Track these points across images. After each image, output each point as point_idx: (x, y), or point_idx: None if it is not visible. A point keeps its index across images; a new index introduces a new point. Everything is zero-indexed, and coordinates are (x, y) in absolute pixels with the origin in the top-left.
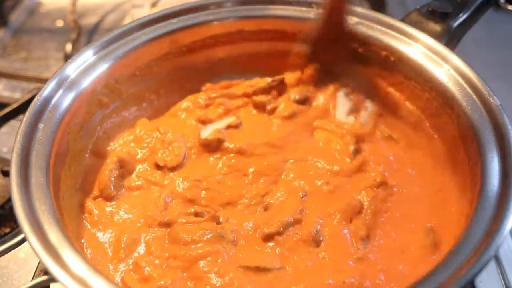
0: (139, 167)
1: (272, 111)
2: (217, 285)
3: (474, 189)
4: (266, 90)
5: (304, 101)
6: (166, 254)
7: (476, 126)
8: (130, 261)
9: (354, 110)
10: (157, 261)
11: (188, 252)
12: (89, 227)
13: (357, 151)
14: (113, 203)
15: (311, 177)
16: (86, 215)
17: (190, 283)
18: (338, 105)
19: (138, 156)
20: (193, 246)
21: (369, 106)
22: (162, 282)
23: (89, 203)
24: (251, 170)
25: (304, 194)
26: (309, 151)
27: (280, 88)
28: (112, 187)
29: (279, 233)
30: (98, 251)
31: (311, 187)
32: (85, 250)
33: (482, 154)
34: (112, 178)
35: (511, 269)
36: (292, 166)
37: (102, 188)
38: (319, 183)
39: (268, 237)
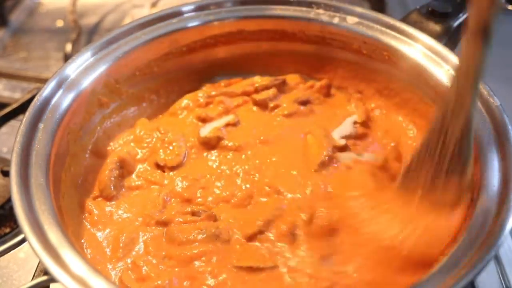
0: (139, 167)
1: (274, 108)
2: (212, 285)
3: (474, 189)
4: (268, 88)
5: (305, 102)
6: (163, 253)
7: (476, 126)
8: (129, 260)
9: (352, 138)
10: (154, 261)
11: (183, 252)
12: (88, 227)
13: (323, 166)
14: (113, 202)
15: (288, 179)
16: (86, 215)
17: (186, 283)
18: (340, 126)
19: (138, 156)
20: (188, 246)
21: (367, 157)
22: (159, 282)
23: (89, 203)
24: (241, 170)
25: (280, 194)
26: (292, 152)
27: (281, 87)
28: (112, 187)
29: (260, 232)
30: (97, 250)
31: (287, 188)
32: (85, 250)
33: (482, 154)
34: (112, 178)
35: (511, 269)
36: (272, 164)
37: (102, 188)
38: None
39: (251, 238)
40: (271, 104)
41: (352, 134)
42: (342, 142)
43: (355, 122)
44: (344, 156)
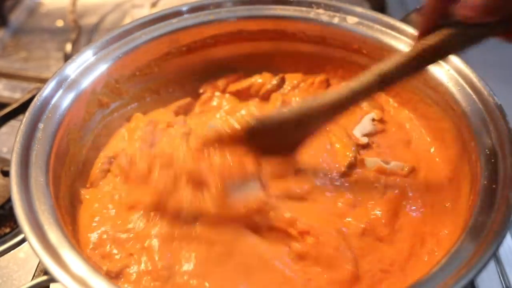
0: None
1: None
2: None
3: (474, 189)
4: (273, 89)
5: None
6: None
7: (476, 127)
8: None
9: (373, 135)
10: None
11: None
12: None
13: (351, 167)
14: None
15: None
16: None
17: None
18: (360, 124)
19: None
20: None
21: (394, 165)
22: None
23: (82, 192)
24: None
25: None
26: (315, 151)
27: (281, 85)
28: (101, 179)
29: None
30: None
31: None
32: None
33: (482, 154)
34: (103, 171)
35: (511, 269)
36: None
37: (93, 181)
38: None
39: None
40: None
41: (372, 132)
42: (365, 140)
43: (373, 119)
44: (370, 161)
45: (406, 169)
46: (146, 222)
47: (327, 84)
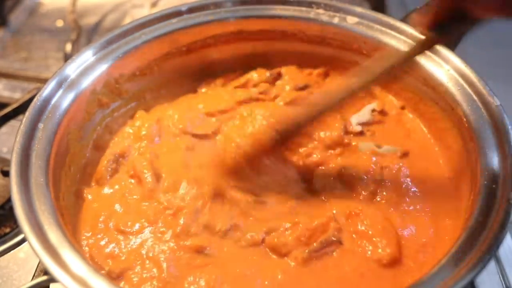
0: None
1: (275, 98)
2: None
3: (474, 189)
4: (268, 81)
5: (304, 87)
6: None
7: (476, 126)
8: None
9: (370, 124)
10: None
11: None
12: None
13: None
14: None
15: None
16: (81, 202)
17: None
18: (359, 112)
19: (136, 145)
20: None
21: (386, 149)
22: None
23: (85, 191)
24: None
25: None
26: None
27: (277, 79)
28: (108, 177)
29: None
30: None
31: None
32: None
33: (482, 154)
34: (110, 169)
35: (511, 269)
36: None
37: (99, 178)
38: None
39: None
40: (272, 95)
41: (369, 121)
42: (358, 128)
43: (373, 110)
44: (363, 146)
45: (399, 152)
46: (157, 233)
47: (325, 76)
